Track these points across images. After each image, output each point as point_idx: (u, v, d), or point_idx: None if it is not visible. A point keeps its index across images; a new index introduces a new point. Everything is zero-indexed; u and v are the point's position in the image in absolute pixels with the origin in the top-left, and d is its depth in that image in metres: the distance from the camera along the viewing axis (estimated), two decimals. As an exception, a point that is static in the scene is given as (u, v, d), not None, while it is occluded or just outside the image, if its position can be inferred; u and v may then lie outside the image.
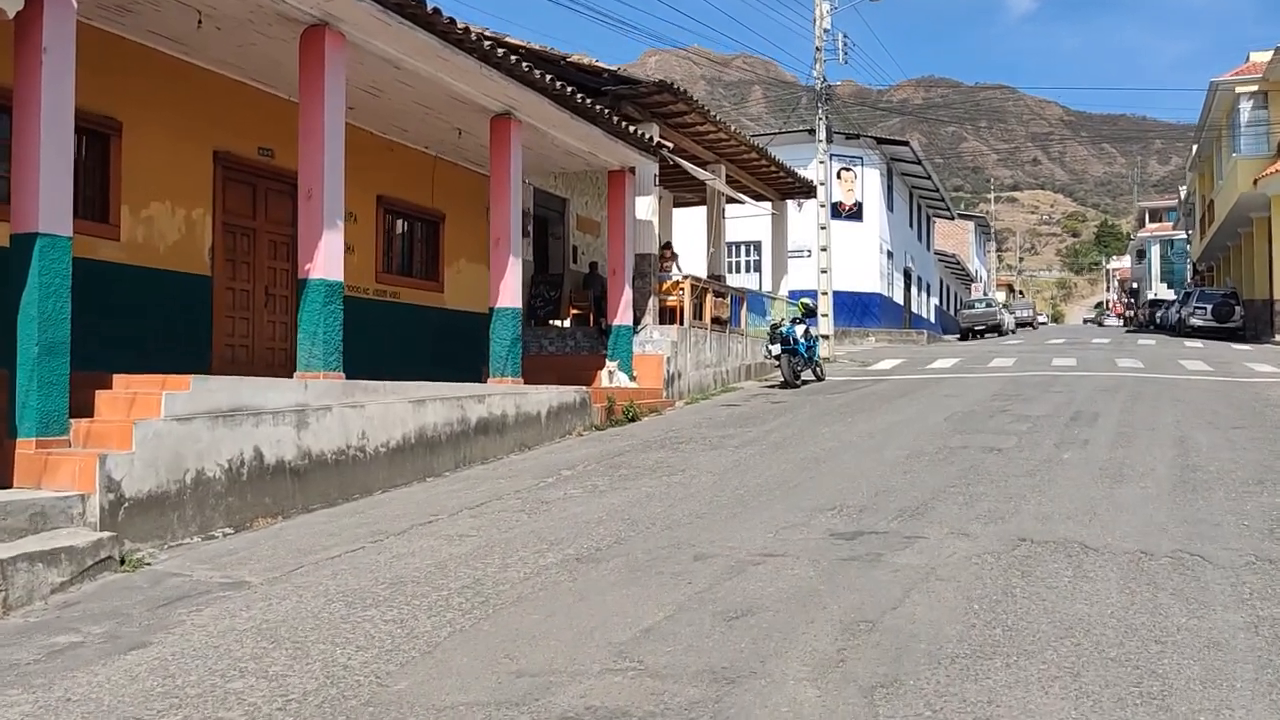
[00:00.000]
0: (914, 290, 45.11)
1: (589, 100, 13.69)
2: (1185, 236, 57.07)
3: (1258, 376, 17.85)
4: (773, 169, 21.92)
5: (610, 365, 15.08)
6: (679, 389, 16.61)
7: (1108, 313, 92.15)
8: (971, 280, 62.36)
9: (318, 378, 9.39)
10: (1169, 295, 58.11)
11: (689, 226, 30.59)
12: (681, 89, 16.28)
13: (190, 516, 7.40)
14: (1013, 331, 50.30)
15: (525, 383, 14.85)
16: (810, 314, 19.22)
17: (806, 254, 34.11)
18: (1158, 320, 47.03)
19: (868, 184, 36.05)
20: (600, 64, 15.84)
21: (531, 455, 11.30)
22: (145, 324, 10.54)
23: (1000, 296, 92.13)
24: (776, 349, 17.94)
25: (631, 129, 15.17)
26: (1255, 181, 30.10)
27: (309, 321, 9.59)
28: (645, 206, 16.94)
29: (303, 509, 8.46)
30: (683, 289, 17.22)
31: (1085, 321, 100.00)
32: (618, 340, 15.87)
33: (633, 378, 15.87)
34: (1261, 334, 31.37)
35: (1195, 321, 34.38)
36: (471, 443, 10.84)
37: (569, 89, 13.14)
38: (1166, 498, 7.52)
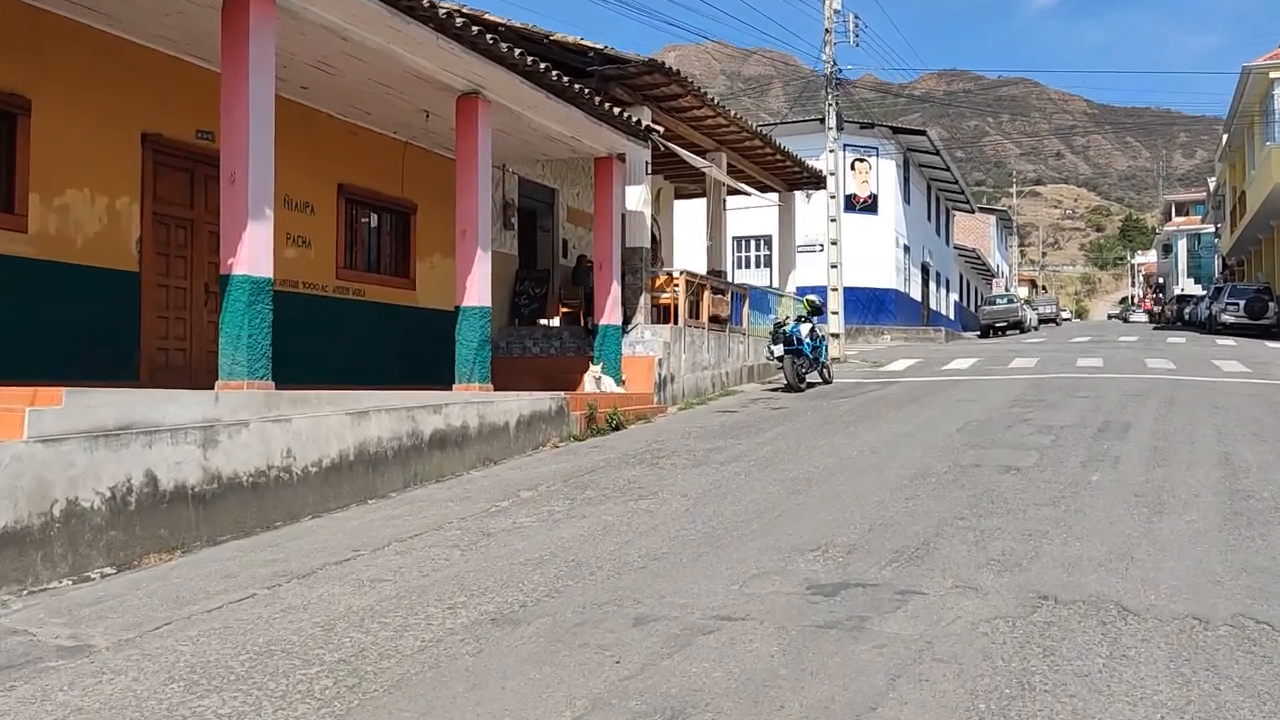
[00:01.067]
0: (932, 286, 43.72)
1: (569, 80, 12.49)
2: (1214, 230, 55.39)
3: (1300, 379, 16.51)
4: (778, 158, 20.68)
5: (594, 369, 13.88)
6: (672, 393, 15.41)
7: (1134, 308, 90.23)
8: (992, 276, 60.82)
9: (240, 387, 8.26)
10: (1197, 290, 56.46)
11: (694, 219, 29.41)
12: (674, 69, 15.06)
13: (60, 555, 6.27)
14: (1035, 328, 48.86)
15: (505, 388, 13.73)
16: (816, 312, 17.98)
17: (818, 248, 32.72)
18: (1186, 317, 45.54)
19: (883, 175, 34.71)
20: (586, 42, 14.63)
21: (494, 471, 10.13)
22: (57, 326, 9.42)
23: (1022, 292, 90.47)
24: (779, 350, 16.71)
25: (620, 112, 13.98)
26: (1291, 171, 28.61)
27: (231, 324, 8.47)
28: (636, 196, 15.75)
29: (208, 541, 7.32)
30: (677, 285, 16.00)
31: (1110, 317, 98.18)
32: (605, 341, 14.70)
33: (621, 382, 14.69)
34: (1297, 331, 29.91)
35: (1227, 318, 32.90)
36: (425, 458, 9.67)
37: (543, 66, 11.95)
38: (1216, 535, 6.27)
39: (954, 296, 50.58)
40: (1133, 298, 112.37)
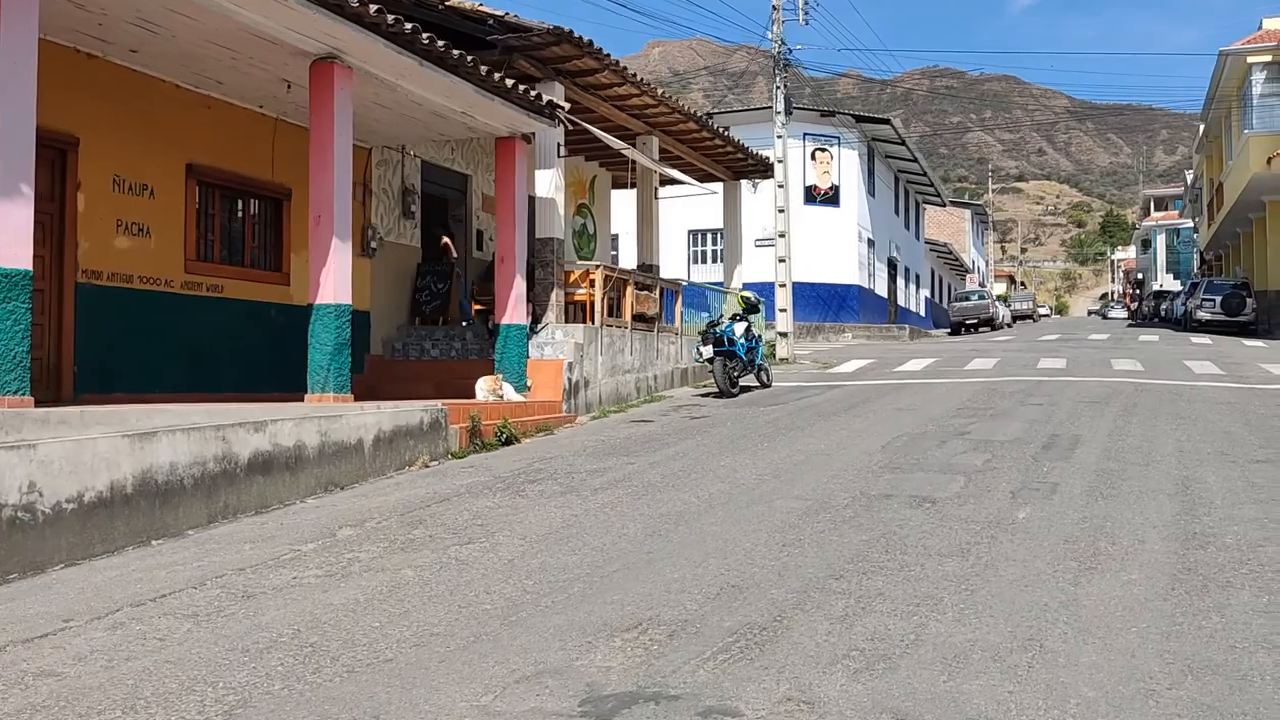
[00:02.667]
0: (900, 281, 42.27)
1: (451, 47, 10.94)
2: (1192, 224, 54.18)
3: (1276, 382, 15.07)
4: (719, 144, 19.16)
5: (488, 375, 12.32)
6: (586, 400, 13.88)
7: (1113, 304, 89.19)
8: (967, 271, 59.47)
9: (-21, 405, 6.67)
10: (1176, 286, 55.27)
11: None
12: (586, 39, 13.52)
13: None
14: (1009, 325, 47.57)
15: (394, 396, 12.42)
16: (752, 309, 16.50)
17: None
18: (1162, 313, 44.32)
19: (845, 166, 33.21)
20: (485, 8, 13.08)
21: (333, 500, 8.58)
22: None
23: (1000, 288, 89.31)
24: (708, 351, 15.20)
25: (525, 89, 12.45)
26: (1269, 160, 27.27)
27: (-29, 327, 6.86)
28: (547, 181, 14.22)
29: (-105, 605, 5.74)
30: (594, 280, 14.46)
31: (1090, 313, 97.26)
32: (506, 343, 13.17)
33: (525, 388, 13.16)
34: (1275, 329, 28.59)
35: (1203, 315, 31.56)
36: (241, 486, 8.10)
37: (427, 35, 10.41)
38: (1159, 606, 4.79)
39: (925, 293, 49.17)
40: (1113, 293, 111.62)
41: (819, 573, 5.46)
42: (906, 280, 43.92)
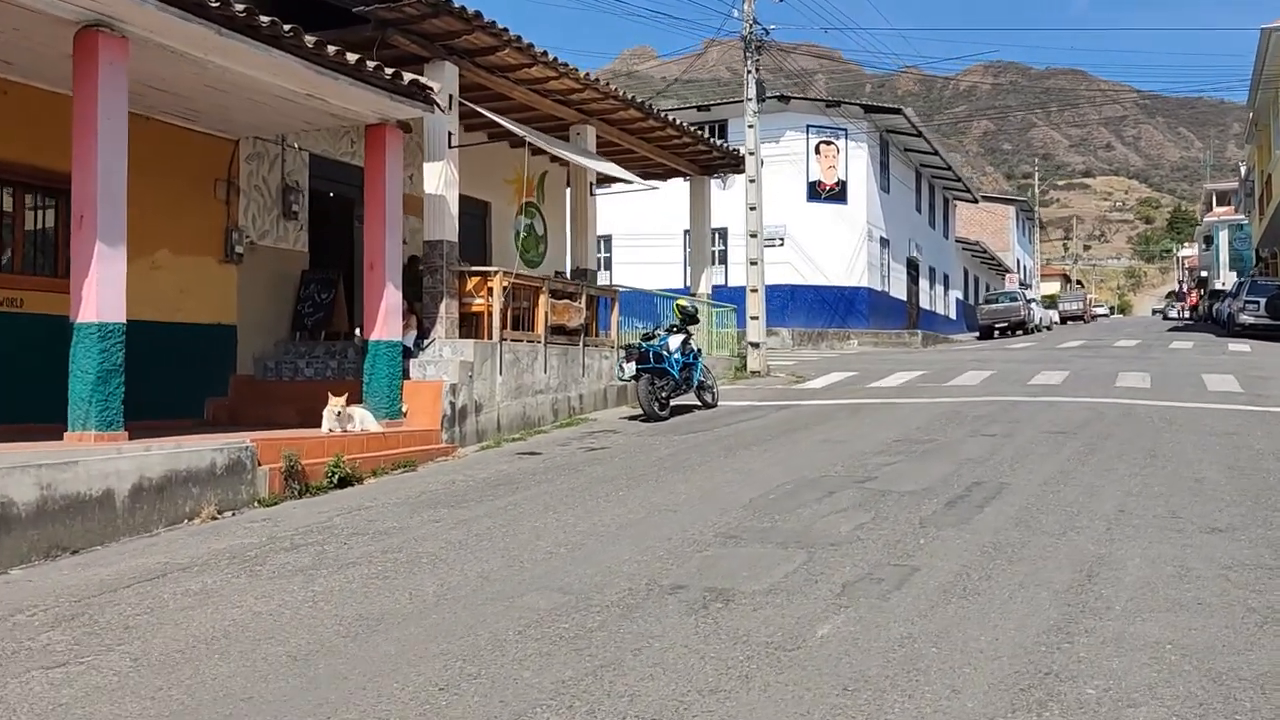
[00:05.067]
0: (924, 283, 39.82)
1: (279, 22, 9.17)
2: (1245, 219, 51.01)
3: (1298, 404, 12.84)
4: (674, 135, 17.21)
5: (336, 403, 10.52)
6: (478, 427, 12.05)
7: (1175, 304, 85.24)
8: (1007, 271, 56.65)
9: None
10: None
11: (626, 210, 26.16)
12: (473, 12, 11.69)
13: None
14: (1047, 328, 44.97)
15: (255, 421, 10.94)
16: (691, 319, 14.55)
17: (778, 241, 29.24)
18: (1214, 314, 41.50)
19: (853, 160, 30.97)
20: (351, -22, 11.31)
21: (44, 572, 6.81)
22: None
23: (1053, 288, 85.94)
24: (631, 369, 13.33)
25: (374, 65, 10.66)
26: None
27: None
28: (436, 176, 12.46)
29: None
30: (492, 288, 12.62)
31: (1154, 312, 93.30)
32: (375, 363, 11.39)
33: (399, 415, 11.38)
34: (1324, 334, 25.91)
35: (1245, 319, 28.89)
36: (-105, 558, 6.37)
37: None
38: None
39: (956, 294, 46.59)
40: (1180, 291, 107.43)
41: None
42: (932, 281, 41.45)
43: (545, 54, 13.18)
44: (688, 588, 5.49)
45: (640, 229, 29.11)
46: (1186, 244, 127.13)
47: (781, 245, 29.69)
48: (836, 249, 30.13)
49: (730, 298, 24.67)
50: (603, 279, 32.05)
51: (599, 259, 32.11)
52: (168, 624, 5.37)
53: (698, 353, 14.53)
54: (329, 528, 7.64)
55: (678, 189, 25.28)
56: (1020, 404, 13.32)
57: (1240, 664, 4.21)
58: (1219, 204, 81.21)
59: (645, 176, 20.17)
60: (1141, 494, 7.60)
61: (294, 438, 9.77)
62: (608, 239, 31.95)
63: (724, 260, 29.36)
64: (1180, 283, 62.67)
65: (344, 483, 9.69)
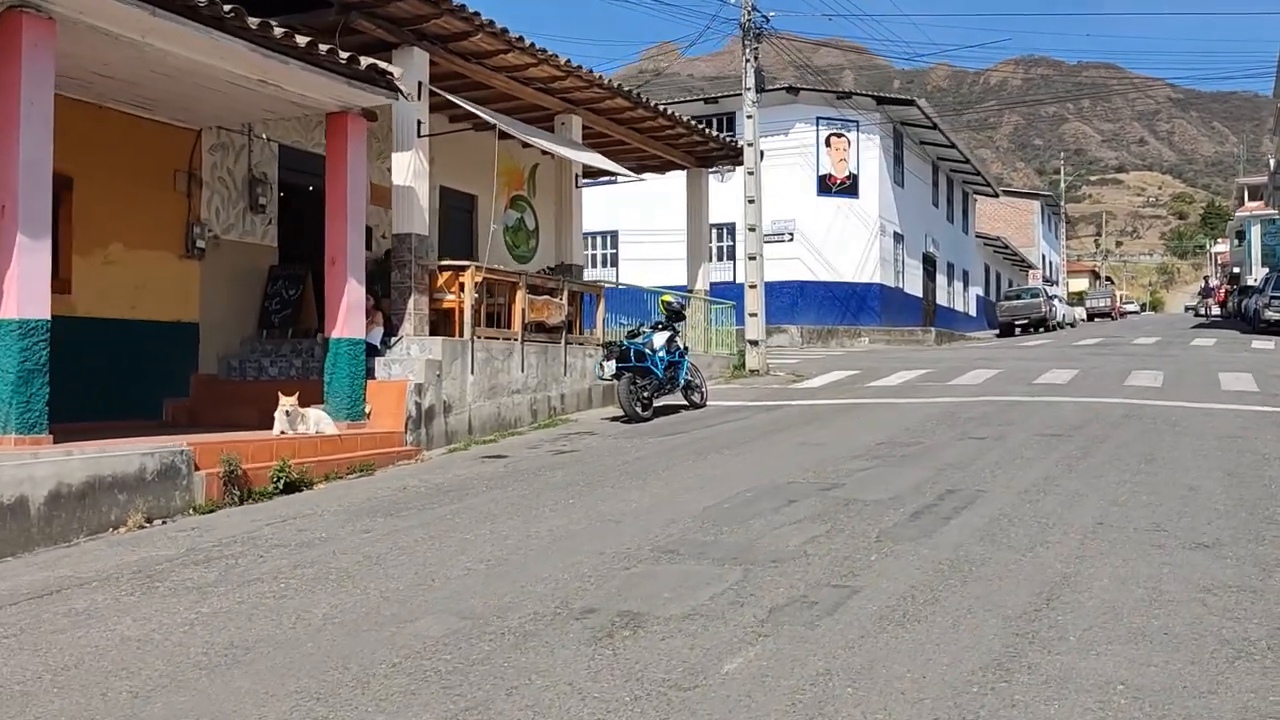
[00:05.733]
0: (940, 279, 38.99)
1: (217, 2, 8.68)
2: (1275, 213, 49.84)
3: (1314, 404, 12.14)
4: (667, 125, 16.65)
5: (286, 402, 10.03)
6: (447, 428, 11.55)
7: (1203, 300, 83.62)
8: (1030, 267, 55.62)
9: None
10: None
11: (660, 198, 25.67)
12: (441, -5, 11.17)
13: None
14: (1070, 325, 44.05)
15: (216, 423, 10.53)
16: (677, 316, 13.98)
17: (786, 236, 28.60)
18: (1243, 310, 40.48)
19: (865, 152, 30.25)
20: (307, -42, 10.83)
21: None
22: None
23: (1081, 284, 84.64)
24: (610, 368, 12.78)
25: (327, 48, 10.17)
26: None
27: None
28: (404, 166, 11.99)
29: None
30: (464, 283, 12.11)
31: (1186, 309, 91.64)
32: (336, 362, 10.92)
33: (362, 416, 10.90)
34: (1353, 330, 24.99)
35: (1271, 315, 28.02)
36: None
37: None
38: None
39: (976, 290, 45.69)
40: (1210, 287, 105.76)
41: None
42: (950, 277, 40.60)
43: (521, 39, 12.67)
44: (599, 611, 4.94)
45: (648, 225, 28.53)
46: (1220, 240, 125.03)
47: (791, 241, 29.06)
48: (848, 244, 29.45)
49: (738, 295, 24.04)
50: (609, 275, 31.57)
51: (607, 255, 31.67)
52: (26, 649, 4.89)
53: (684, 350, 13.97)
54: (254, 539, 7.16)
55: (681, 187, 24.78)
56: (1019, 404, 12.68)
57: (1199, 710, 3.63)
58: (1251, 198, 79.67)
59: (641, 169, 19.66)
60: (1127, 503, 6.98)
61: (238, 440, 9.30)
62: (614, 235, 31.45)
63: (731, 256, 28.76)
64: (1206, 279, 61.12)
65: (291, 488, 9.21)
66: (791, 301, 28.80)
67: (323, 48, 9.94)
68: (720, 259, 29.10)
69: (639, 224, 29.52)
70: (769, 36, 18.69)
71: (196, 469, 8.57)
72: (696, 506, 7.32)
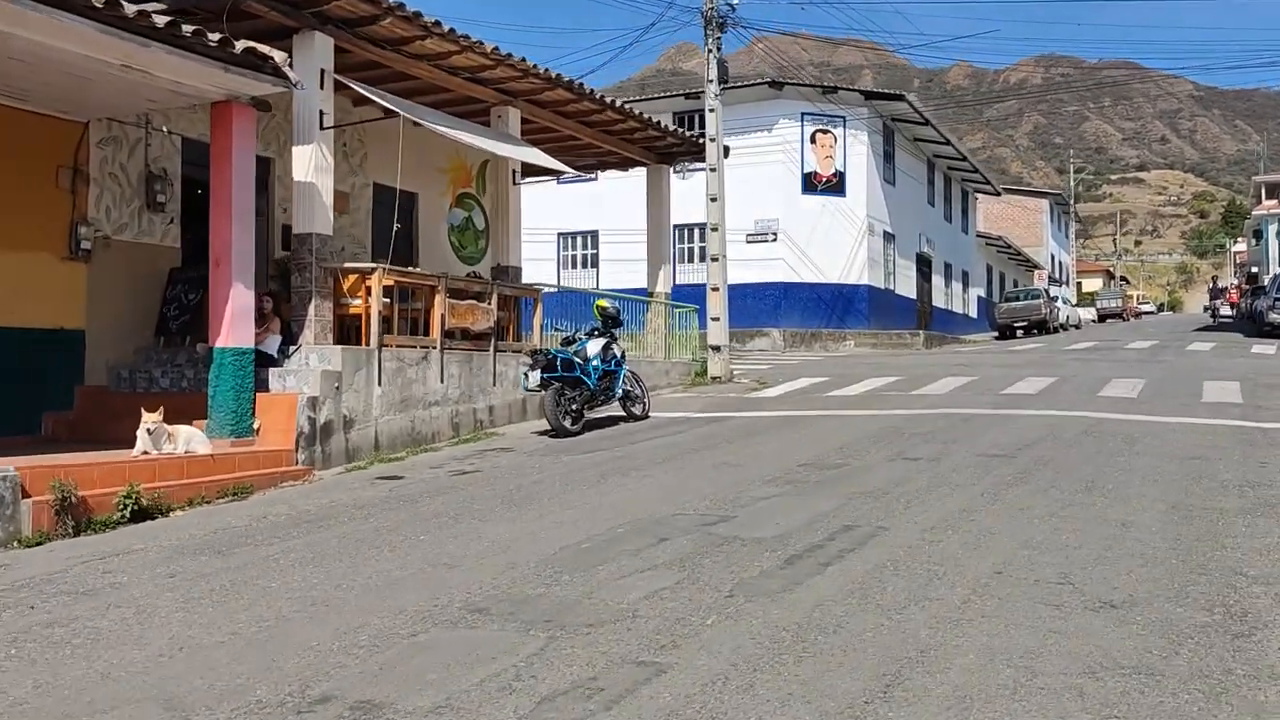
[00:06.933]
0: (937, 280, 37.86)
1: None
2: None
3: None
4: (618, 119, 15.71)
5: (149, 419, 9.14)
6: (348, 446, 10.65)
7: (1213, 301, 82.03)
8: (1036, 267, 54.36)
9: None
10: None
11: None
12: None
13: None
14: (1075, 327, 42.89)
15: (92, 441, 9.48)
16: (614, 322, 13.06)
17: (770, 237, 27.61)
18: (1252, 311, 39.20)
19: (852, 150, 29.19)
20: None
21: None
22: None
23: (1095, 285, 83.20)
24: (535, 378, 11.85)
25: (191, 29, 9.28)
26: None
27: None
28: (305, 161, 11.11)
29: None
30: (369, 286, 11.21)
31: (1205, 309, 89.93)
32: (220, 373, 10.05)
33: (247, 432, 10.02)
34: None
35: (1275, 317, 26.85)
36: None
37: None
38: None
39: (977, 292, 44.51)
40: (1213, 288, 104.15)
41: None
42: (948, 279, 39.45)
43: (438, 24, 11.75)
44: (334, 701, 4.02)
45: (631, 224, 27.53)
46: (1239, 239, 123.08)
47: (774, 241, 28.05)
48: (834, 244, 28.39)
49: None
50: (590, 276, 30.64)
51: (587, 256, 30.72)
52: None
53: (621, 358, 13.02)
54: (45, 582, 6.28)
55: (676, 184, 23.76)
56: (976, 418, 11.69)
57: None
58: (1269, 196, 78.08)
59: (601, 166, 18.78)
60: (1042, 545, 6.01)
61: (83, 464, 8.41)
62: (594, 235, 30.50)
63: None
64: (1214, 278, 59.58)
65: (142, 516, 8.35)
66: (775, 304, 27.79)
67: (187, 29, 9.05)
68: (695, 260, 28.12)
69: (621, 223, 28.55)
70: (729, 23, 17.66)
71: (25, 496, 7.68)
72: (552, 547, 6.39)
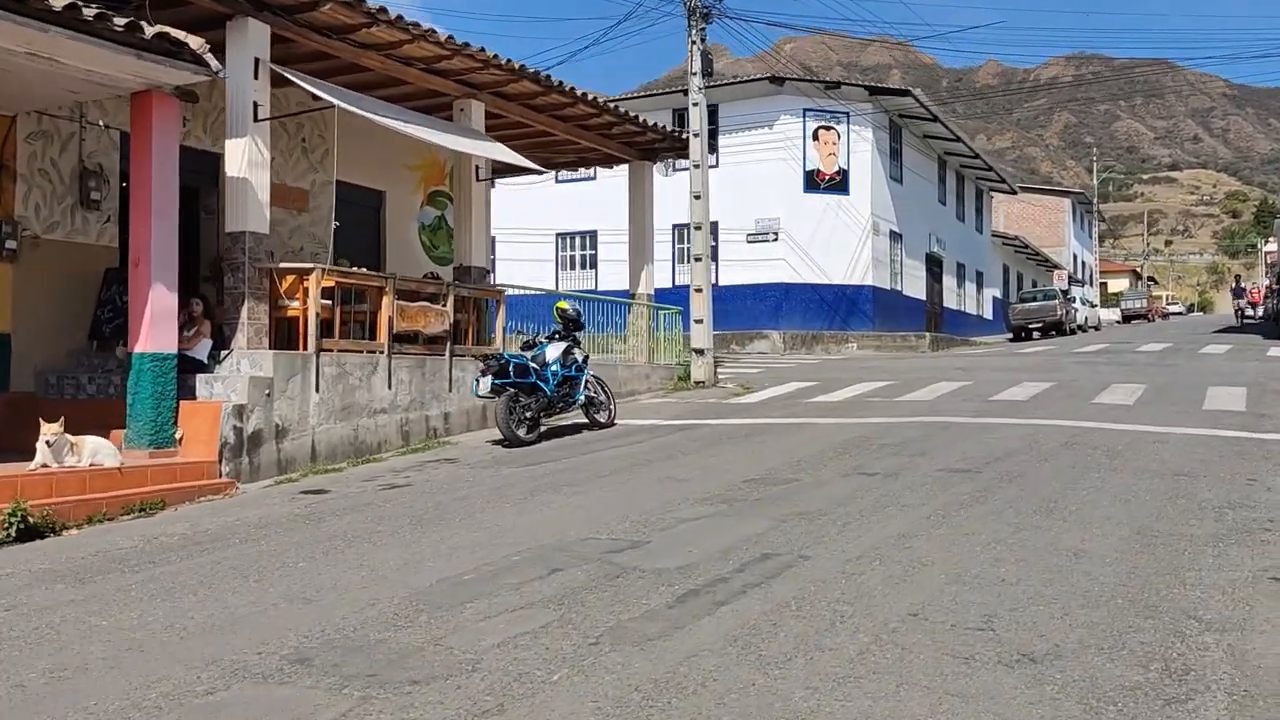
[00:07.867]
0: (949, 281, 36.91)
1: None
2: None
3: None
4: (593, 113, 15.05)
5: (49, 430, 8.56)
6: (280, 457, 10.05)
7: (1235, 301, 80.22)
8: (1056, 267, 53.20)
9: None
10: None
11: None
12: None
13: None
14: (1094, 328, 41.85)
15: (12, 453, 8.92)
16: (575, 325, 12.40)
17: (771, 236, 26.88)
18: (1276, 312, 38.12)
19: (856, 147, 28.36)
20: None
21: None
22: None
23: (1121, 285, 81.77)
24: (486, 384, 11.21)
25: (94, 12, 8.70)
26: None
27: None
28: (238, 155, 10.55)
29: None
30: (307, 287, 10.59)
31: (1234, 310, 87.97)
32: (139, 380, 9.48)
33: (169, 443, 9.44)
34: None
35: (1296, 318, 25.75)
36: None
37: None
38: None
39: (992, 292, 43.49)
40: (1236, 288, 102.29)
41: None
42: (960, 279, 38.49)
43: (384, 11, 11.12)
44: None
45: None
46: (1270, 238, 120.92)
47: (775, 241, 27.29)
48: (837, 244, 27.57)
49: (719, 297, 22.44)
50: (588, 278, 30.00)
51: (586, 256, 30.08)
52: None
53: (583, 363, 12.35)
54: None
55: (670, 182, 23.13)
56: (953, 427, 10.95)
57: None
58: (1300, 195, 76.28)
59: (581, 163, 18.19)
60: (975, 580, 5.29)
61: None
62: (593, 235, 29.84)
63: (715, 257, 26.99)
64: (1237, 278, 58.18)
65: (30, 535, 7.74)
66: (775, 305, 27.03)
67: (89, 13, 8.44)
68: (694, 260, 27.34)
69: (621, 224, 27.88)
70: (714, 14, 16.95)
71: (-102, 512, 7.08)
72: (430, 579, 5.75)
